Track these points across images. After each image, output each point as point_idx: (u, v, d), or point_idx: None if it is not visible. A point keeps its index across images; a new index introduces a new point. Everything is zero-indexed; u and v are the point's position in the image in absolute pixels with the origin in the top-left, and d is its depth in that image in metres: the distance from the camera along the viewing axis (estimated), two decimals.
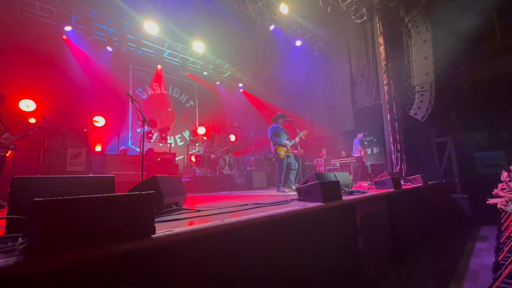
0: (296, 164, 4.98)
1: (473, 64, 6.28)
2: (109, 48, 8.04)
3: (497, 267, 2.84)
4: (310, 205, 2.18)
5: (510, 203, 2.26)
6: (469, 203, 5.56)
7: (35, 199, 0.91)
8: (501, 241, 3.52)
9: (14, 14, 6.37)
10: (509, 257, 2.52)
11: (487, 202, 2.74)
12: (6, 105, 5.15)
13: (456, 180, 6.15)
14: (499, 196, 2.78)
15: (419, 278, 2.93)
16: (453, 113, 6.60)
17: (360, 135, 7.56)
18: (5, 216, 1.22)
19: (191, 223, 1.54)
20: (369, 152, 8.83)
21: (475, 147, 6.63)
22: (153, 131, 7.96)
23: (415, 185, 4.84)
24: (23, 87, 5.97)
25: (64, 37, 7.17)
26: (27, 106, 5.66)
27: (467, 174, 6.20)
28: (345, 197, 2.62)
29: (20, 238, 1.11)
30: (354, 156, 7.53)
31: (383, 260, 3.14)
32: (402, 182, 4.61)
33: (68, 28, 7.14)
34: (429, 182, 5.36)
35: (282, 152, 4.88)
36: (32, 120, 5.75)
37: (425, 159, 6.63)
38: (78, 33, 7.42)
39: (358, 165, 7.61)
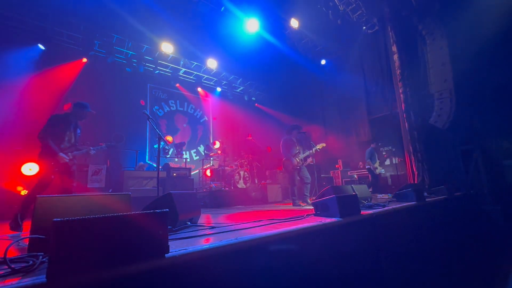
0: (309, 178, 4.84)
1: (496, 67, 6.00)
2: (128, 69, 8.49)
3: None
4: (327, 220, 2.10)
5: None
6: (502, 216, 5.15)
7: (54, 219, 0.94)
8: None
9: (44, 42, 6.94)
10: None
11: None
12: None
13: (485, 191, 5.75)
14: None
15: None
16: (477, 119, 6.26)
17: (372, 145, 7.38)
18: (28, 236, 1.26)
19: (205, 241, 1.52)
20: (387, 163, 8.52)
21: (504, 154, 6.20)
22: (167, 147, 8.16)
23: (440, 197, 4.56)
24: (50, 109, 6.37)
25: (85, 60, 7.67)
26: None
27: (497, 184, 5.78)
28: (364, 212, 2.51)
29: (40, 257, 1.14)
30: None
31: (409, 280, 2.93)
32: (425, 194, 4.37)
33: (91, 53, 7.66)
34: (455, 194, 5.05)
35: (290, 165, 4.80)
36: None
37: (449, 168, 6.28)
38: (100, 57, 7.92)
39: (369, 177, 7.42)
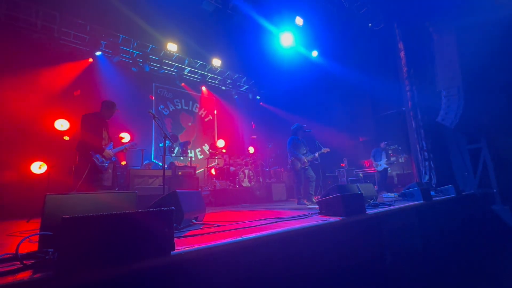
0: (314, 176, 4.90)
1: (506, 63, 5.86)
2: (134, 69, 8.57)
3: None
4: (332, 219, 2.10)
5: None
6: (511, 215, 5.05)
7: (63, 216, 0.96)
8: None
9: (52, 42, 7.04)
10: None
11: None
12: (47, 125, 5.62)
13: (494, 190, 5.64)
14: None
15: None
16: (486, 117, 6.14)
17: (382, 144, 7.32)
18: (37, 233, 1.29)
19: (210, 239, 1.53)
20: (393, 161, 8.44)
21: None
22: (174, 145, 8.21)
23: (448, 196, 4.50)
24: (58, 108, 6.48)
25: (91, 60, 7.76)
26: (61, 126, 6.10)
27: (506, 183, 5.67)
28: (369, 211, 2.49)
29: (50, 253, 1.17)
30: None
31: (415, 279, 2.90)
32: (432, 193, 4.32)
33: (98, 53, 7.74)
34: (463, 193, 4.97)
35: (298, 164, 4.84)
36: (66, 138, 6.16)
37: (457, 167, 6.18)
38: (106, 56, 8.00)
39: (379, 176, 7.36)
